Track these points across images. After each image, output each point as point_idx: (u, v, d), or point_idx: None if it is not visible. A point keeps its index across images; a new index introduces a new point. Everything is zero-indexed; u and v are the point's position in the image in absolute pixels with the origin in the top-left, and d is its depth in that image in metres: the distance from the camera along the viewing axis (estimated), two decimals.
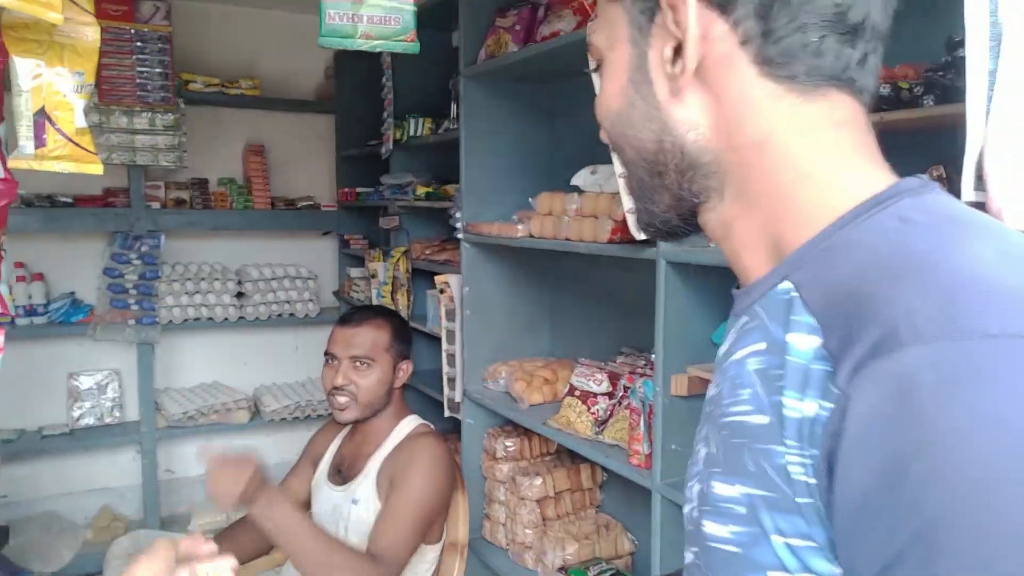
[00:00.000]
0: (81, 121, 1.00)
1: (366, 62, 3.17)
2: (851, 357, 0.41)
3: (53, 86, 0.95)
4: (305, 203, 3.62)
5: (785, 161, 0.52)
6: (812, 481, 0.43)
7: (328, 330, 1.83)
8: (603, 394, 1.92)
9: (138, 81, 2.81)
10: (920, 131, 1.19)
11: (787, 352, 0.47)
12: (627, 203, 1.52)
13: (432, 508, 1.60)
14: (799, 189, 0.52)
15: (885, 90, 1.17)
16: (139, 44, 2.79)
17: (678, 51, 0.53)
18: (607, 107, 0.59)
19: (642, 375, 1.80)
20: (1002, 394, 0.37)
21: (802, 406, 0.44)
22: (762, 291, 0.53)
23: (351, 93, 3.53)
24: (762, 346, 0.50)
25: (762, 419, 0.48)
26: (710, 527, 0.52)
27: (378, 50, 1.21)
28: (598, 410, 1.91)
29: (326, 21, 1.13)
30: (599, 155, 1.90)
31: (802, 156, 0.52)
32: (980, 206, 0.57)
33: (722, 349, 0.60)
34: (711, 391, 0.58)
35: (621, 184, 1.52)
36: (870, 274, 0.44)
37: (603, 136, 0.63)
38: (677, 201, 0.57)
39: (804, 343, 0.46)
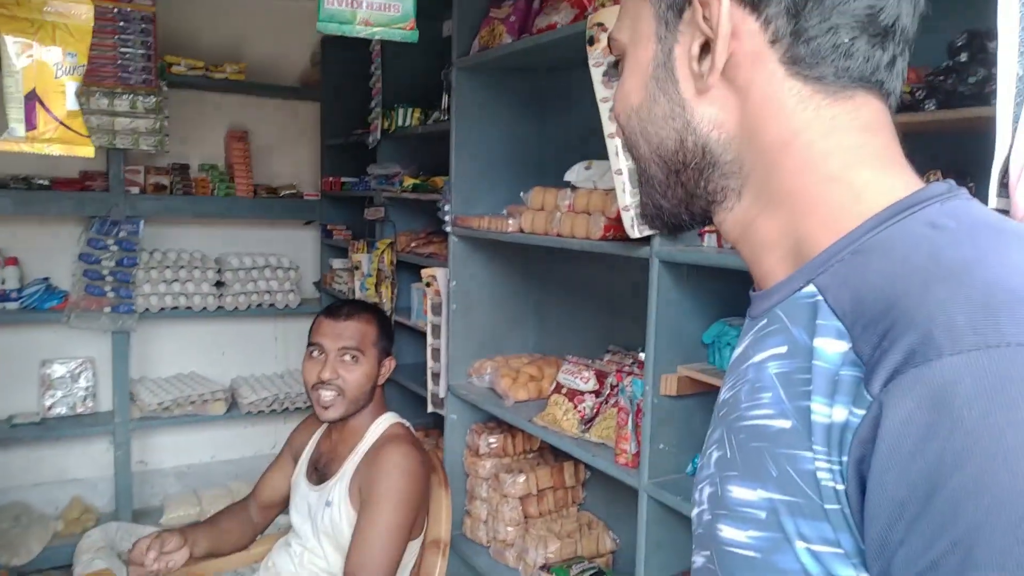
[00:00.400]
0: (73, 103, 0.96)
1: (353, 50, 3.13)
2: (886, 364, 0.40)
3: (45, 67, 0.91)
4: (288, 191, 3.57)
5: (810, 162, 0.51)
6: (840, 487, 0.43)
7: (309, 321, 1.79)
8: (590, 392, 1.91)
9: (120, 62, 2.74)
10: (920, 135, 1.20)
11: (814, 357, 0.46)
12: (622, 200, 1.52)
13: (406, 522, 1.57)
14: (824, 191, 0.51)
15: None
16: (122, 24, 2.72)
17: (705, 48, 0.52)
18: (627, 102, 0.58)
19: (629, 374, 1.80)
20: None
21: (831, 412, 0.43)
22: (784, 295, 0.52)
23: (337, 81, 3.48)
24: (783, 350, 0.49)
25: (784, 423, 0.47)
26: (727, 531, 0.51)
27: (377, 37, 1.19)
28: (585, 408, 1.90)
29: (325, 6, 1.10)
30: (592, 150, 1.89)
31: (828, 158, 0.51)
32: (1004, 213, 0.57)
33: (736, 352, 0.59)
34: (724, 394, 0.57)
35: (616, 181, 1.51)
36: (902, 280, 0.43)
37: (613, 130, 0.63)
38: (690, 198, 0.57)
39: (832, 348, 0.45)
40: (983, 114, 1.04)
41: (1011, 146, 0.55)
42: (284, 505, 1.88)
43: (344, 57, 3.39)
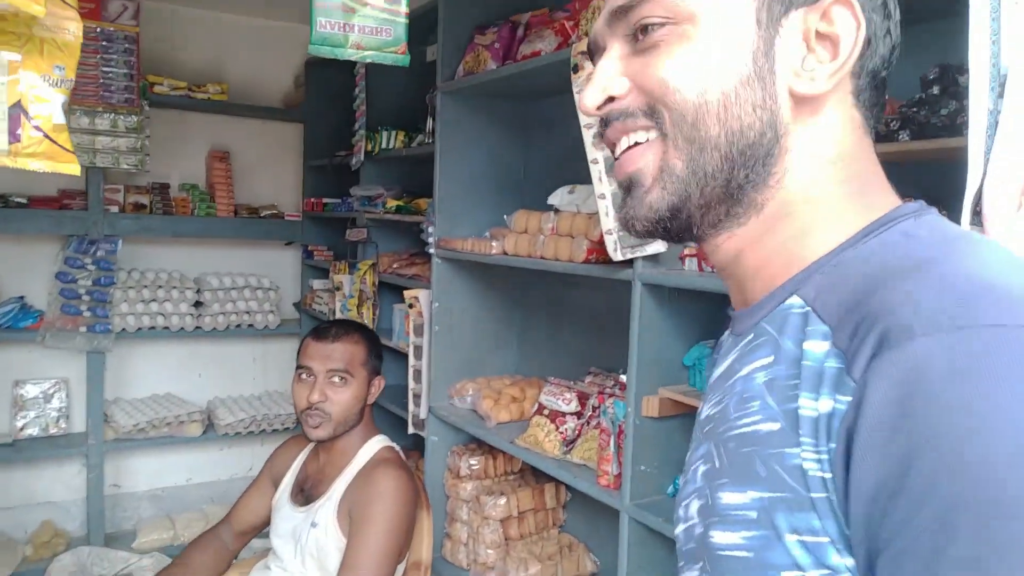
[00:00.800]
0: (60, 117, 0.96)
1: (336, 72, 3.15)
2: (864, 350, 0.43)
3: (31, 79, 0.91)
4: (269, 212, 3.56)
5: (838, 186, 0.54)
6: (827, 475, 0.44)
7: (288, 342, 1.79)
8: (572, 413, 1.92)
9: (102, 81, 2.74)
10: (895, 164, 1.23)
11: (803, 359, 0.48)
12: (605, 223, 1.53)
13: (396, 547, 1.57)
14: (839, 211, 0.54)
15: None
16: (105, 43, 2.72)
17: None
18: (707, 77, 0.53)
19: (611, 395, 1.80)
20: (1012, 379, 0.38)
21: (818, 404, 0.45)
22: (769, 308, 0.54)
23: (321, 103, 3.50)
24: (769, 360, 0.51)
25: (772, 426, 0.49)
26: (720, 536, 0.52)
27: (368, 60, 1.20)
28: (566, 429, 1.90)
29: (317, 29, 1.11)
30: (573, 175, 1.91)
31: (850, 182, 0.54)
32: None
33: (719, 370, 0.60)
34: (710, 410, 0.59)
35: (600, 205, 1.53)
36: (875, 278, 0.46)
37: (597, 155, 0.62)
38: (719, 201, 0.55)
39: (818, 348, 0.47)
40: (954, 144, 1.08)
41: (983, 176, 0.58)
42: (262, 528, 1.86)
43: (327, 79, 3.41)
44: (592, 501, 1.79)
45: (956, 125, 1.12)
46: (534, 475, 2.31)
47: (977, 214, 0.58)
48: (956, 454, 0.38)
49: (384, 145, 2.75)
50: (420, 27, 2.39)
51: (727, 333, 0.68)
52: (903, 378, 0.40)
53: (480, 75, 2.05)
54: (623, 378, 1.63)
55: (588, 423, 1.89)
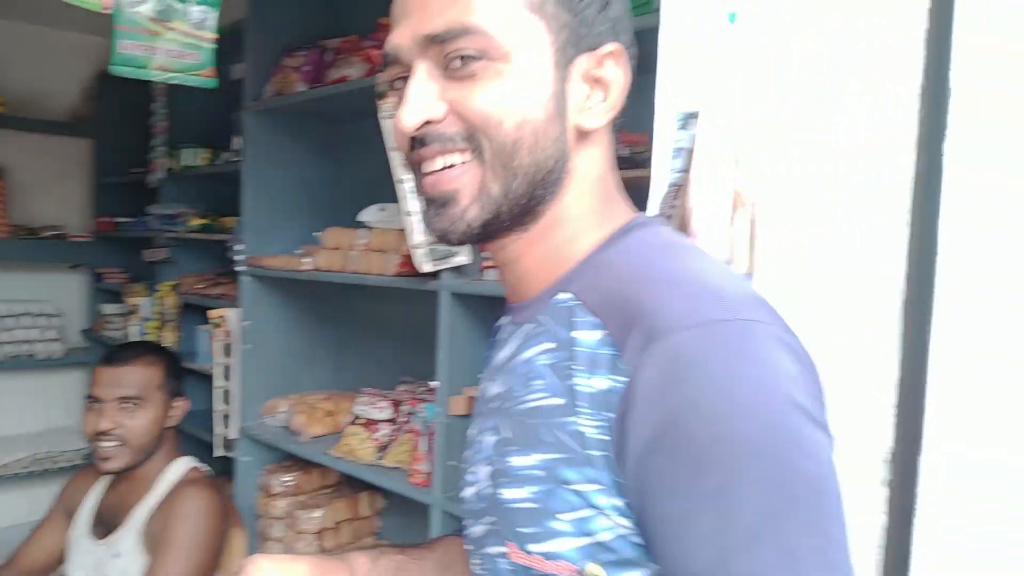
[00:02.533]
0: None
1: (133, 86, 3.00)
2: (632, 342, 0.54)
3: None
4: (51, 232, 3.29)
5: (605, 195, 0.68)
6: (605, 437, 0.55)
7: (76, 372, 1.72)
8: (385, 420, 2.00)
9: None
10: (641, 188, 1.47)
11: (574, 345, 0.58)
12: (413, 239, 1.66)
13: (201, 568, 1.53)
14: (608, 217, 0.67)
15: (625, 152, 1.44)
16: None
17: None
18: (521, 111, 0.60)
19: (422, 400, 1.92)
20: (737, 357, 0.52)
21: (592, 382, 0.56)
22: (544, 303, 0.66)
23: (113, 116, 3.32)
24: (551, 345, 0.61)
25: (557, 401, 0.59)
26: (508, 493, 0.61)
27: (174, 82, 1.22)
28: (381, 436, 1.98)
29: (118, 51, 1.11)
30: (381, 194, 2.01)
31: (610, 193, 0.68)
32: None
33: (503, 353, 0.71)
34: (497, 389, 0.69)
35: (407, 222, 1.66)
36: (632, 283, 0.58)
37: (403, 176, 0.68)
38: (519, 215, 0.64)
39: (589, 336, 0.58)
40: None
41: (667, 192, 0.78)
42: (54, 567, 1.74)
43: (121, 92, 3.24)
44: (406, 506, 1.87)
45: None
46: (350, 486, 2.35)
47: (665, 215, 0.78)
48: (706, 414, 0.50)
49: (187, 163, 2.69)
50: (226, 45, 2.38)
51: (505, 320, 0.79)
52: (665, 363, 0.51)
53: (289, 96, 2.10)
54: (432, 384, 1.75)
55: (401, 428, 1.98)
